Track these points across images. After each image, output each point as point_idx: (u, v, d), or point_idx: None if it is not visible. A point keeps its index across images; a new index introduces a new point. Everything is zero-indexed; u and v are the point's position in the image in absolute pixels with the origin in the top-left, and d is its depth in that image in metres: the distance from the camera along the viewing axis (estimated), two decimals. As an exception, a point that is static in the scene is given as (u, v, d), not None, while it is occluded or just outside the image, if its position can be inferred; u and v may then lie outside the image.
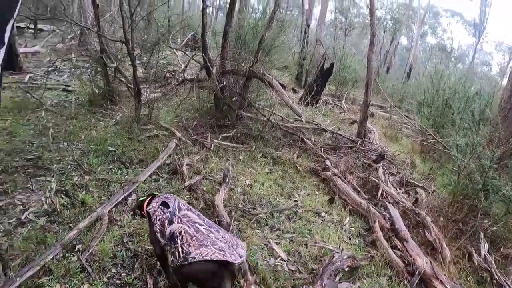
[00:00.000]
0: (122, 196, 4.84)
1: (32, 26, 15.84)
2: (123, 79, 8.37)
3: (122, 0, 6.72)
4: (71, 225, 4.24)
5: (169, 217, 3.07)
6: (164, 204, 3.24)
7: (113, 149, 6.17)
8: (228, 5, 8.60)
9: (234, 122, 7.83)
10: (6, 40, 3.07)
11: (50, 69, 10.65)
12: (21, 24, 15.10)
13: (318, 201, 5.70)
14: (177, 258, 2.81)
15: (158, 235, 3.09)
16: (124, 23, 6.71)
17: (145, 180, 5.41)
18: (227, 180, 5.47)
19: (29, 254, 3.68)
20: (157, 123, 7.44)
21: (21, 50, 11.47)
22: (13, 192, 4.78)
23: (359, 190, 6.06)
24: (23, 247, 3.77)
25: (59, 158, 5.78)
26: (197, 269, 2.74)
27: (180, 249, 2.81)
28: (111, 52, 8.08)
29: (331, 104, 13.31)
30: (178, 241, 2.86)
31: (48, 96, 8.72)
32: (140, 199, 3.66)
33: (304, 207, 5.40)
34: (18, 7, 3.09)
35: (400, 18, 23.31)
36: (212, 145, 6.90)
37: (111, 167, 5.73)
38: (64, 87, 9.58)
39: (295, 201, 5.59)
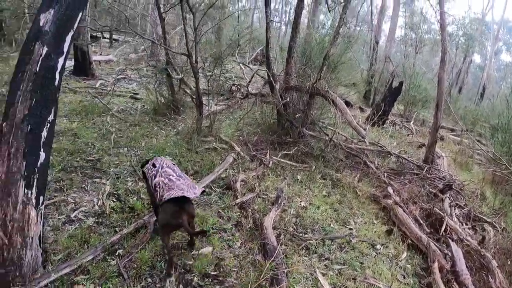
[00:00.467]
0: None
1: (107, 36, 16.70)
2: (188, 91, 8.50)
3: (185, 14, 6.83)
4: (116, 229, 4.28)
5: (155, 173, 3.92)
6: (153, 164, 4.08)
7: (170, 158, 6.19)
8: (292, 23, 8.48)
9: (295, 140, 7.62)
10: (65, 50, 3.14)
11: (120, 76, 11.12)
12: (97, 34, 16.00)
13: (375, 231, 5.25)
14: (158, 200, 3.72)
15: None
16: (187, 37, 6.80)
17: (196, 192, 5.36)
18: (279, 201, 5.25)
19: (71, 251, 3.76)
20: (218, 136, 7.44)
21: (95, 58, 12.21)
22: (68, 190, 4.93)
23: (421, 222, 5.53)
24: (66, 244, 3.85)
25: (117, 162, 5.93)
26: (168, 205, 3.61)
27: (159, 194, 3.69)
28: (177, 64, 8.23)
29: (399, 125, 12.71)
30: (158, 189, 3.74)
31: (116, 102, 9.11)
32: (146, 159, 4.50)
33: (358, 237, 4.98)
34: (78, 19, 3.16)
35: (473, 34, 22.06)
36: (271, 162, 6.70)
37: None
38: (132, 94, 9.97)
39: (350, 229, 5.17)
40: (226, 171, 6.14)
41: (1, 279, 3.14)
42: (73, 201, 4.73)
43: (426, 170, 7.49)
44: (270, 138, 7.65)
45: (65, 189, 4.95)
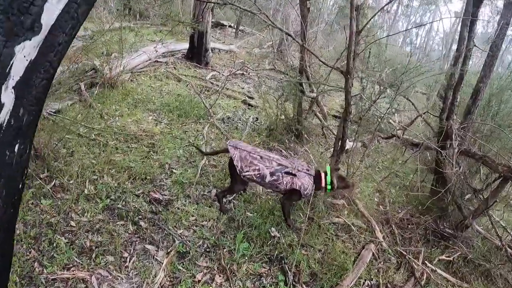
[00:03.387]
0: None
1: (234, 25, 15.55)
2: (319, 115, 6.10)
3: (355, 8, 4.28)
4: None
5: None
6: None
7: (278, 234, 3.68)
8: (487, 56, 5.57)
9: (455, 233, 4.71)
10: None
11: (236, 72, 9.21)
12: (224, 22, 15.03)
13: None
14: None
15: None
16: (351, 45, 4.26)
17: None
18: None
19: None
20: (353, 200, 4.67)
21: (214, 45, 10.74)
22: (98, 258, 2.85)
23: None
24: None
25: (193, 217, 3.62)
26: None
27: None
28: (314, 77, 5.86)
29: None
30: None
31: (222, 106, 7.02)
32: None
33: None
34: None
35: None
36: (425, 273, 3.87)
37: (264, 270, 3.19)
38: (245, 98, 7.77)
39: None
40: (361, 281, 3.45)
41: None
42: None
43: None
44: (423, 220, 4.75)
45: (94, 253, 2.85)
